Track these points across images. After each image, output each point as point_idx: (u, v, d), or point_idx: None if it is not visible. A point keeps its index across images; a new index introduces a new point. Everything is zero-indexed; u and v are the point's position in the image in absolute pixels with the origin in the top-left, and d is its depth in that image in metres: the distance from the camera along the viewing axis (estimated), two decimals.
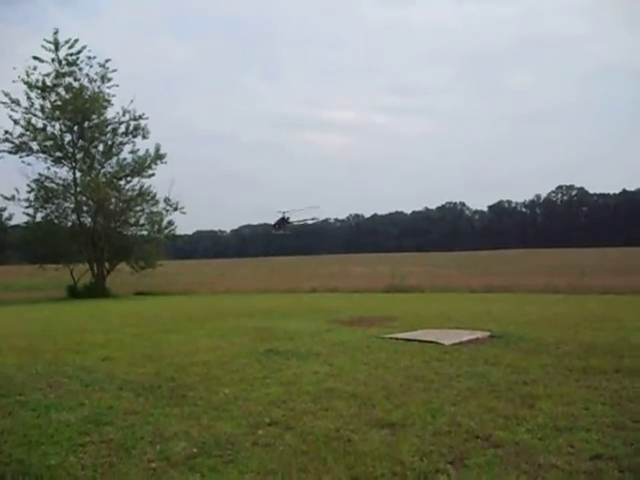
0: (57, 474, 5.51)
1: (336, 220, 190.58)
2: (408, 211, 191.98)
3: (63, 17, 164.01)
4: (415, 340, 13.12)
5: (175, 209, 45.07)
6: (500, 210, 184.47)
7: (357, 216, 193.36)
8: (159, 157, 44.57)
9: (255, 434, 6.60)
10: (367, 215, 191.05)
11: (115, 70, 43.98)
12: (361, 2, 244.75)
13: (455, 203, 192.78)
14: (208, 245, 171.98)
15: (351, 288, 37.34)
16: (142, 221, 45.67)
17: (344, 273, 49.44)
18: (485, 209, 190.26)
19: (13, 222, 45.80)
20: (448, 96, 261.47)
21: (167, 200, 44.87)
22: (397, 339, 13.43)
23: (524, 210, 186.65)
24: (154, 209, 45.29)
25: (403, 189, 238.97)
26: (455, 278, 41.67)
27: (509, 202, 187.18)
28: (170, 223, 45.71)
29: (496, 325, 15.22)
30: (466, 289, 34.22)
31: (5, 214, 44.55)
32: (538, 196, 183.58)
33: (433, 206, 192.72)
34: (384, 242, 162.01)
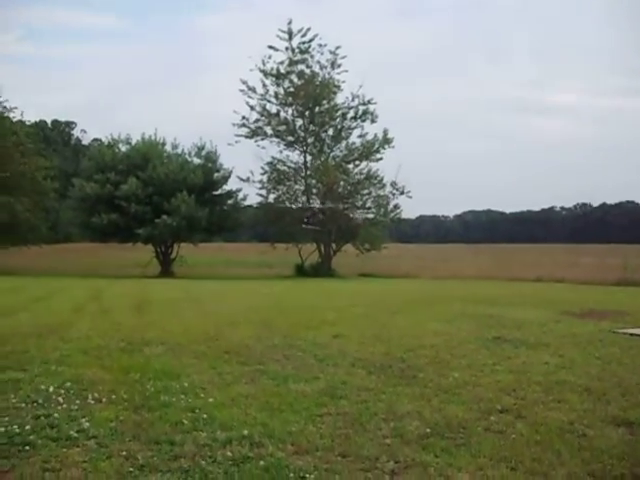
0: (298, 440, 5.82)
1: (562, 208, 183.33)
2: None
3: (292, 5, 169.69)
4: None
5: (401, 193, 45.55)
6: None
7: (584, 205, 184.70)
8: (387, 141, 45.13)
9: (487, 420, 6.60)
10: (595, 204, 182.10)
11: (345, 56, 45.11)
12: None
13: None
14: (430, 229, 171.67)
15: (578, 279, 35.86)
16: (369, 204, 46.53)
17: (570, 263, 47.46)
18: None
19: (247, 202, 48.37)
20: None
21: (394, 184, 45.42)
22: (632, 335, 12.81)
23: None
24: (381, 192, 45.99)
25: (636, 177, 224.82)
26: None
27: None
28: (396, 207, 46.23)
29: None
30: None
31: (240, 195, 47.06)
32: None
33: None
34: (613, 232, 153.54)
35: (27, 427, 6.00)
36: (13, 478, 4.93)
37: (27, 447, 5.53)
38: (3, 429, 5.93)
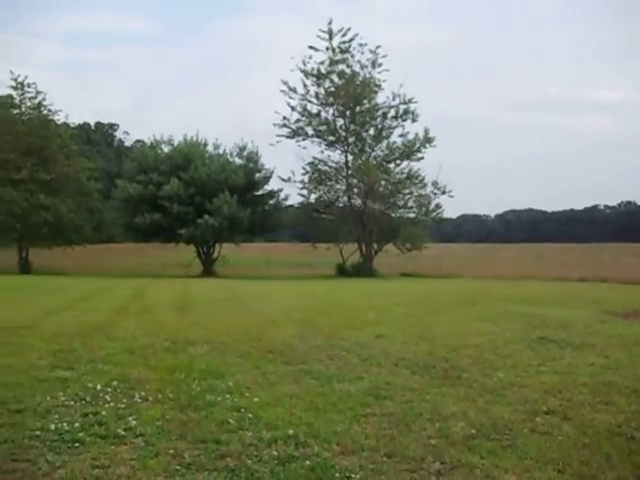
0: (343, 440, 5.83)
1: (606, 207, 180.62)
2: None
3: (332, 4, 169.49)
4: None
5: (443, 192, 45.29)
6: None
7: (629, 203, 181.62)
8: (428, 140, 44.90)
9: (533, 421, 6.54)
10: None
11: (385, 55, 44.96)
12: None
13: None
14: (472, 229, 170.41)
15: (622, 279, 35.36)
16: (410, 203, 46.36)
17: (614, 262, 46.83)
18: None
19: (288, 202, 48.70)
20: None
21: (435, 183, 45.17)
22: None
23: None
24: (422, 192, 45.76)
25: None
26: None
27: None
28: (437, 206, 46.00)
29: None
30: None
31: (281, 195, 47.39)
32: None
33: None
34: None
35: (76, 424, 6.10)
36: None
37: (76, 444, 5.62)
38: (53, 426, 6.03)
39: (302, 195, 46.80)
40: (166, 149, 48.44)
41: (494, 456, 5.52)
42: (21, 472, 5.03)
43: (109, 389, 7.44)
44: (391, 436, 6.00)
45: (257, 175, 47.66)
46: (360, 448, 5.62)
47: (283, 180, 46.33)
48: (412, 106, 45.09)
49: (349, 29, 44.08)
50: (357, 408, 6.88)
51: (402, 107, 45.13)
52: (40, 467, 5.12)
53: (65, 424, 6.09)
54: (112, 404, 6.85)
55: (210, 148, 48.76)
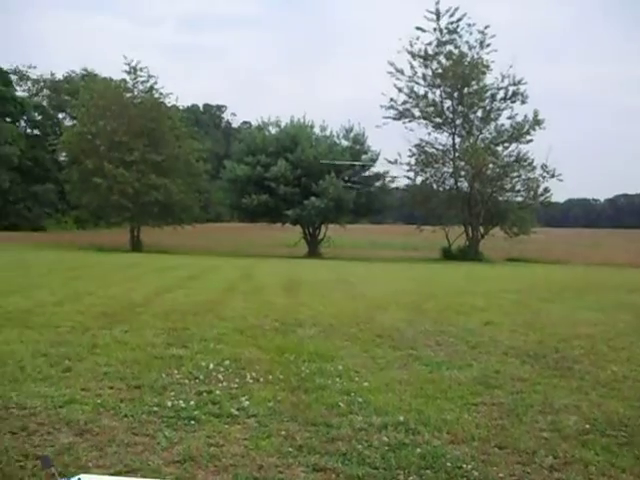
0: (453, 429, 5.80)
1: None
2: None
3: None
4: None
5: (552, 176, 44.24)
6: None
7: None
8: (537, 123, 43.89)
9: None
10: None
11: (494, 36, 44.13)
12: None
13: None
14: (579, 214, 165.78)
15: None
16: (518, 187, 45.57)
17: None
18: None
19: (394, 185, 48.70)
20: None
21: (544, 167, 44.18)
22: None
23: None
24: (530, 175, 44.90)
25: None
26: None
27: None
28: (546, 190, 45.02)
29: None
30: None
31: (388, 177, 47.41)
32: None
33: None
34: None
35: (191, 402, 6.29)
36: None
37: (192, 422, 5.80)
38: (170, 403, 6.24)
39: (408, 177, 46.71)
40: (273, 131, 49.08)
41: (609, 453, 5.34)
42: (142, 446, 5.22)
43: (221, 368, 7.62)
44: (502, 427, 5.92)
45: (363, 157, 47.71)
46: (471, 437, 5.58)
47: (389, 162, 46.33)
48: (521, 87, 44.24)
49: (457, 9, 43.57)
50: (467, 396, 6.82)
51: (511, 88, 44.36)
52: (159, 442, 5.30)
53: (181, 401, 6.28)
54: (225, 383, 7.02)
55: (317, 130, 49.12)
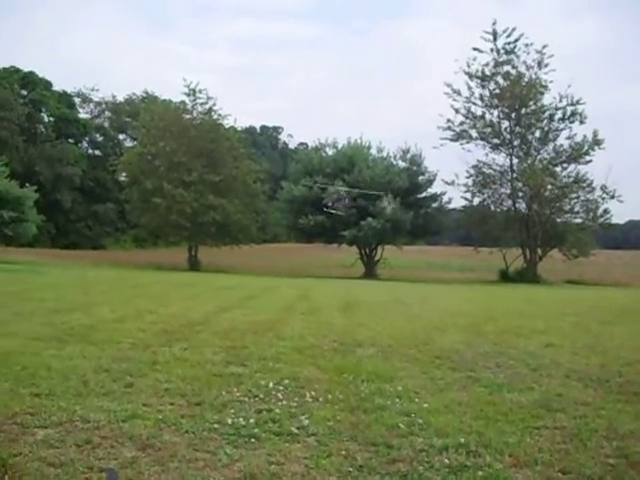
0: (515, 452, 5.70)
1: None
2: None
3: (495, 5, 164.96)
4: None
5: (612, 197, 43.59)
6: None
7: None
8: (597, 143, 43.38)
9: None
10: None
11: (552, 55, 43.83)
12: None
13: None
14: None
15: None
16: (577, 208, 45.00)
17: None
18: None
19: (451, 206, 48.60)
20: None
21: (603, 187, 43.56)
22: None
23: None
24: (590, 197, 44.29)
25: None
26: None
27: None
28: (606, 211, 44.40)
29: None
30: None
31: (445, 198, 47.27)
32: None
33: None
34: None
35: (251, 420, 6.32)
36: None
37: (252, 439, 5.82)
38: (230, 420, 6.29)
39: (465, 198, 46.54)
40: (330, 152, 49.35)
41: None
42: (203, 462, 5.26)
43: (280, 387, 7.64)
44: (566, 451, 5.81)
45: (420, 178, 47.73)
46: (534, 462, 5.48)
47: (446, 183, 46.30)
48: (580, 107, 43.78)
49: (514, 29, 43.51)
50: (528, 419, 6.71)
51: (569, 109, 44.01)
52: (220, 459, 5.33)
53: (241, 419, 6.31)
54: (284, 402, 7.04)
55: (374, 151, 49.27)
